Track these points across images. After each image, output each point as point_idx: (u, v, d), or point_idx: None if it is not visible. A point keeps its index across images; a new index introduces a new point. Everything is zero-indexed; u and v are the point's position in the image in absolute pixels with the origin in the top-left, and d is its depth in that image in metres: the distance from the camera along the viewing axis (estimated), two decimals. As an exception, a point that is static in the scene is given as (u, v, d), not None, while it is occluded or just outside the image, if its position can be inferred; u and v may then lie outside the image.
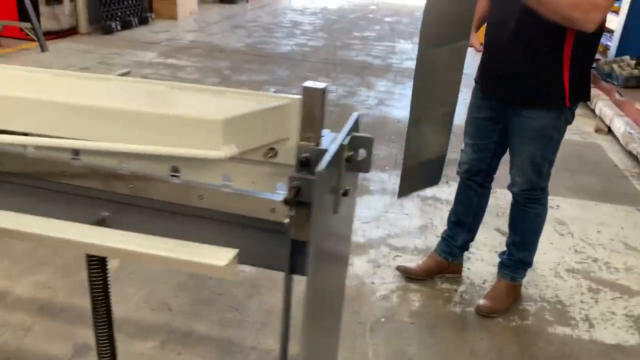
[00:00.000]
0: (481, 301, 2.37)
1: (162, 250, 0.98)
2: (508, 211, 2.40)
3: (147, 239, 1.06)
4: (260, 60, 6.65)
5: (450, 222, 2.52)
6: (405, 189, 2.26)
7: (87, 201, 1.38)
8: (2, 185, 1.32)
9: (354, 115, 1.31)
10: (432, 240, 2.81)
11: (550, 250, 2.88)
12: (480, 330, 2.26)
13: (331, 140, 1.18)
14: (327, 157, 1.06)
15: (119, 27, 7.70)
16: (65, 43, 6.83)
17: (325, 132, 1.24)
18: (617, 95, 5.02)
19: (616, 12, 5.93)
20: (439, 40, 1.94)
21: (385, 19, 10.66)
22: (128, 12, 8.05)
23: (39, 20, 6.37)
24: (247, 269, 1.33)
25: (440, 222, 3.03)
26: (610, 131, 4.75)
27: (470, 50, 2.16)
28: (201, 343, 2.08)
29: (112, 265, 2.05)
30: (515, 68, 2.08)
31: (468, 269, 2.66)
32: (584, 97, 2.12)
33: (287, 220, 1.15)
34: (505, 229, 2.46)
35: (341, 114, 4.93)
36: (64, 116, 1.09)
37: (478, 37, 2.21)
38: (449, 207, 2.56)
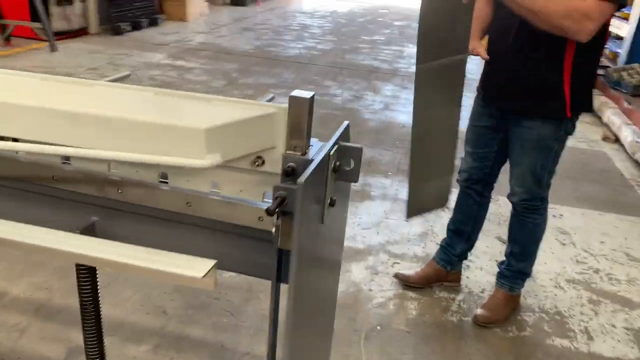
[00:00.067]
0: (479, 311, 2.34)
1: (139, 261, 0.98)
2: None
3: (128, 248, 1.05)
4: (268, 63, 6.66)
5: (449, 230, 2.50)
6: (413, 210, 2.25)
7: (77, 206, 1.39)
8: (-9, 188, 1.32)
9: (344, 124, 1.31)
10: (432, 247, 2.79)
11: (551, 260, 2.85)
12: (477, 341, 2.24)
13: (319, 150, 1.17)
14: (310, 168, 1.05)
15: (128, 28, 7.74)
16: (75, 43, 6.89)
17: (314, 141, 1.24)
18: (625, 104, 4.97)
19: (626, 19, 5.88)
20: (434, 55, 1.94)
21: (395, 22, 10.65)
22: (138, 13, 8.10)
23: (49, 21, 6.42)
24: (246, 273, 1.32)
25: (440, 229, 3.00)
26: (617, 140, 4.70)
27: (476, 58, 2.16)
28: (194, 348, 2.07)
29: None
30: (515, 77, 2.07)
31: (467, 277, 2.64)
32: (586, 107, 2.10)
33: (273, 229, 1.15)
34: (506, 237, 2.44)
35: (346, 118, 4.91)
36: (50, 122, 1.09)
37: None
38: (450, 215, 2.54)
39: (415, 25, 1.88)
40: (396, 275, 2.56)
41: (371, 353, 2.13)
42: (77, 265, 1.39)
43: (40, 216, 1.43)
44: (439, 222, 3.11)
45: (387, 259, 2.75)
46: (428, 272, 2.53)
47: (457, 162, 2.30)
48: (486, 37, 2.19)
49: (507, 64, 2.07)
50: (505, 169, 2.32)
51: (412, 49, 8.25)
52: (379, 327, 2.27)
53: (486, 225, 3.09)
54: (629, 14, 5.86)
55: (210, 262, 0.98)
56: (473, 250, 2.76)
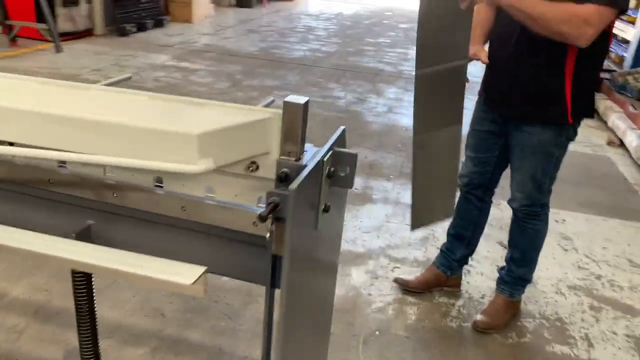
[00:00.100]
0: (478, 317, 2.33)
1: (129, 267, 0.97)
2: (511, 225, 2.36)
3: (119, 254, 1.05)
4: (272, 65, 6.66)
5: (450, 235, 2.49)
6: (418, 221, 2.23)
7: (73, 209, 1.39)
8: (-12, 191, 1.32)
9: (339, 129, 1.30)
10: (433, 252, 2.78)
11: (552, 266, 2.83)
12: (476, 347, 2.23)
13: (313, 156, 1.17)
14: (303, 174, 1.05)
15: (134, 30, 7.76)
16: (80, 44, 6.91)
17: (309, 146, 1.23)
18: (631, 108, 4.94)
19: (632, 22, 5.85)
20: (434, 60, 1.93)
21: (400, 25, 10.63)
22: (144, 14, 8.13)
23: (55, 22, 6.45)
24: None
25: (441, 233, 2.98)
26: (622, 144, 4.68)
27: (479, 62, 2.15)
28: (192, 351, 2.07)
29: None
30: (516, 83, 2.06)
31: (467, 282, 2.63)
32: (588, 113, 2.08)
33: (268, 235, 1.14)
34: (508, 242, 2.42)
35: (349, 120, 4.92)
36: (44, 126, 1.09)
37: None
38: (450, 219, 2.53)
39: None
40: (396, 280, 2.55)
41: (369, 358, 2.12)
42: (73, 269, 1.39)
43: (36, 219, 1.43)
44: (440, 227, 3.09)
45: (387, 263, 2.74)
46: (428, 277, 2.52)
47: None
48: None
49: (508, 69, 2.06)
50: (507, 173, 2.31)
51: (417, 52, 8.23)
52: (377, 332, 2.26)
53: (488, 229, 3.08)
54: (635, 18, 5.83)
55: (200, 269, 0.98)
56: (474, 255, 2.75)
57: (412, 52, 8.09)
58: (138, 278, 0.97)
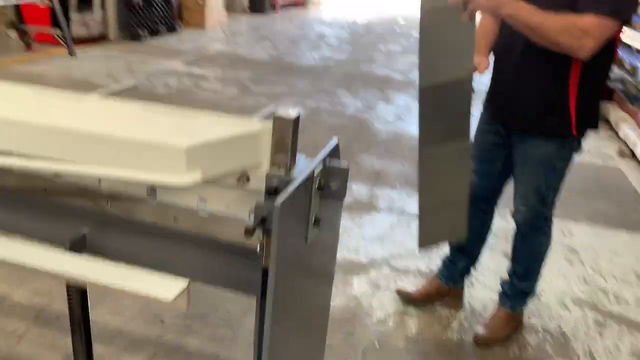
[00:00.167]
0: (479, 330, 2.31)
1: (112, 280, 0.97)
2: (516, 236, 2.33)
3: (104, 266, 1.05)
4: (282, 72, 6.68)
5: (452, 247, 2.47)
6: (426, 240, 2.19)
7: (69, 217, 1.40)
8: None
9: (333, 141, 1.30)
10: (436, 262, 2.76)
11: (557, 279, 2.79)
12: (476, 360, 2.21)
13: (304, 168, 1.16)
14: (290, 188, 1.05)
15: (147, 35, 7.84)
16: (94, 49, 7.00)
17: (301, 158, 1.23)
18: (642, 119, 4.88)
19: (646, 32, 5.77)
20: (437, 74, 1.91)
21: (413, 32, 10.62)
22: (157, 20, 8.20)
23: (69, 27, 6.54)
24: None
25: (445, 244, 2.96)
26: (633, 155, 4.61)
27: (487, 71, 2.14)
28: (190, 358, 2.07)
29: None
30: (520, 94, 2.04)
31: (470, 294, 2.60)
32: (592, 126, 2.06)
33: (258, 246, 1.14)
34: (511, 255, 2.39)
35: (357, 128, 4.92)
36: (34, 136, 1.10)
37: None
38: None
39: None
40: (398, 292, 2.53)
41: (367, 370, 2.10)
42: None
43: (32, 227, 1.44)
44: (444, 237, 3.07)
45: (389, 273, 2.73)
46: (430, 288, 2.50)
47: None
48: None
49: (512, 80, 2.04)
50: (510, 185, 2.29)
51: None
52: (377, 344, 2.24)
53: (493, 241, 3.06)
54: (648, 28, 5.76)
55: (183, 284, 0.97)
56: (478, 267, 2.73)
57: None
58: (120, 292, 0.97)
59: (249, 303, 2.42)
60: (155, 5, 8.19)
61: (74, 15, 6.91)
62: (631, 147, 4.66)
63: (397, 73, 7.13)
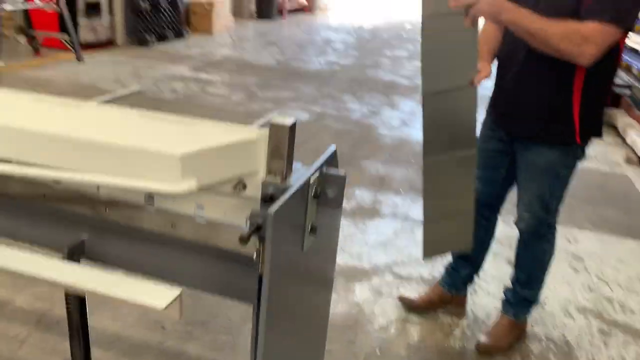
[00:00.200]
0: (482, 338, 2.29)
1: (104, 288, 0.97)
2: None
3: (98, 274, 1.05)
4: (288, 78, 6.70)
5: (454, 254, 2.45)
6: (431, 249, 2.18)
7: (68, 224, 1.41)
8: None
9: (330, 148, 1.30)
10: (439, 270, 2.74)
11: (561, 287, 2.77)
12: (478, 369, 2.19)
13: (300, 176, 1.16)
14: (285, 196, 1.04)
15: (154, 40, 7.88)
16: (101, 54, 7.04)
17: (297, 166, 1.22)
18: (650, 125, 4.84)
19: (654, 38, 5.73)
20: (440, 81, 1.91)
21: (419, 38, 10.59)
22: (164, 25, 8.25)
23: (77, 32, 6.58)
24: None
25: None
26: (641, 162, 4.58)
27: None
28: (190, 365, 2.07)
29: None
30: (523, 101, 2.03)
31: (473, 302, 2.59)
32: (596, 133, 2.04)
33: (255, 254, 1.14)
34: (515, 262, 2.38)
35: (362, 133, 4.91)
36: (31, 143, 1.10)
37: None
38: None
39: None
40: (400, 298, 2.52)
41: (368, 377, 2.09)
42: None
43: (31, 233, 1.45)
44: (448, 244, 3.05)
45: (392, 280, 2.71)
46: (432, 296, 2.48)
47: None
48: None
49: (515, 87, 2.03)
50: (515, 191, 2.27)
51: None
52: (378, 351, 2.23)
53: (497, 248, 3.04)
54: (656, 34, 5.72)
55: (175, 292, 0.97)
56: (482, 274, 2.71)
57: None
58: (113, 299, 0.97)
59: (250, 310, 2.42)
60: (162, 10, 8.24)
61: (82, 21, 6.96)
62: (638, 153, 4.62)
63: (403, 78, 7.13)
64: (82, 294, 1.34)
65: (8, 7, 5.78)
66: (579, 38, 1.70)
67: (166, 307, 0.93)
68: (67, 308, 1.45)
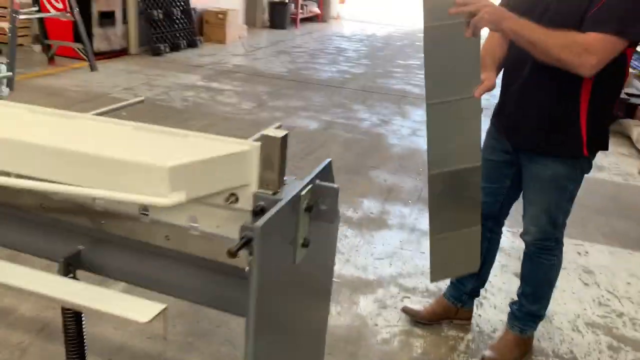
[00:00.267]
0: (486, 352, 2.25)
1: (88, 301, 0.97)
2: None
3: (86, 288, 1.04)
4: (299, 86, 6.71)
5: (460, 267, 2.42)
6: (438, 273, 2.16)
7: (65, 234, 1.41)
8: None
9: (325, 161, 1.28)
10: (445, 282, 2.70)
11: (571, 301, 2.72)
12: (482, 384, 2.15)
13: (292, 189, 1.15)
14: (274, 209, 1.03)
15: (167, 50, 7.95)
16: (115, 63, 7.12)
17: (290, 179, 1.21)
18: (665, 136, 4.76)
19: (669, 48, 5.66)
20: (444, 90, 1.89)
21: (432, 47, 10.58)
22: (178, 35, 8.32)
23: (91, 42, 6.67)
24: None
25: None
26: (655, 174, 4.50)
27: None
28: (190, 376, 2.06)
29: (118, 288, 2.06)
30: (529, 113, 2.00)
31: (479, 315, 2.55)
32: (603, 146, 2.01)
33: (247, 267, 1.13)
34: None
35: (371, 142, 4.89)
36: (23, 155, 1.10)
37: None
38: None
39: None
40: (404, 310, 2.49)
41: (370, 391, 2.06)
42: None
43: (28, 243, 1.45)
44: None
45: (397, 292, 2.68)
46: (437, 308, 2.45)
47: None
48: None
49: (521, 98, 2.01)
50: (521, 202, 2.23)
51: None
52: (381, 364, 2.20)
53: (505, 260, 3.00)
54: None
55: (159, 307, 0.96)
56: (489, 287, 2.68)
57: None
58: (98, 312, 0.96)
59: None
60: (176, 20, 8.32)
61: (96, 30, 7.05)
62: (653, 164, 4.55)
63: (414, 87, 7.10)
64: (70, 307, 1.33)
65: (23, 16, 5.87)
66: (579, 48, 1.67)
67: (149, 321, 0.92)
68: (63, 320, 1.45)
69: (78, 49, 6.57)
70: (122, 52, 7.55)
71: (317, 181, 1.18)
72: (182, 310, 2.38)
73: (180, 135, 1.20)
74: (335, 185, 1.18)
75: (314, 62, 8.38)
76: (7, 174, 1.20)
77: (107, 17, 7.21)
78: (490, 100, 2.25)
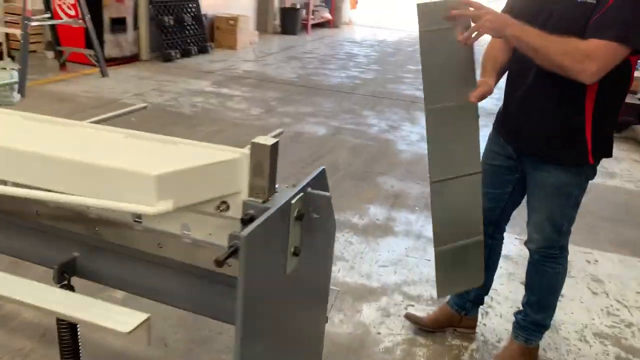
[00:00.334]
0: (491, 362, 2.21)
1: (72, 310, 0.96)
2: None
3: (71, 296, 1.04)
4: (309, 92, 6.71)
5: (463, 274, 2.39)
6: (444, 289, 2.15)
7: (60, 240, 1.41)
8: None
9: (319, 169, 1.27)
10: (450, 290, 2.67)
11: (578, 310, 2.67)
12: (486, 395, 2.11)
13: (282, 197, 1.13)
14: (262, 217, 1.02)
15: (178, 56, 8.00)
16: (126, 69, 7.17)
17: (282, 187, 1.20)
18: (678, 142, 4.68)
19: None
20: (443, 95, 1.88)
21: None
22: (189, 41, 8.37)
23: (102, 48, 6.73)
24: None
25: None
26: (668, 180, 4.42)
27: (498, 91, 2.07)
28: (190, 384, 2.05)
29: (118, 295, 2.06)
30: (534, 119, 1.97)
31: (484, 324, 2.51)
32: (607, 153, 1.97)
33: (238, 275, 1.11)
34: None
35: (379, 148, 4.87)
36: (14, 162, 1.10)
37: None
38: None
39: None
40: (407, 316, 2.46)
41: (371, 401, 2.04)
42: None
43: (24, 249, 1.46)
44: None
45: (401, 300, 2.66)
46: (439, 315, 2.42)
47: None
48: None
49: (525, 105, 1.98)
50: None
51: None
52: (383, 374, 2.18)
53: (512, 268, 2.96)
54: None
55: (142, 317, 0.95)
56: (494, 296, 2.65)
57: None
58: (80, 321, 0.95)
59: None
60: (187, 26, 8.38)
61: (108, 36, 7.11)
62: (666, 171, 4.47)
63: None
64: (52, 314, 1.33)
65: (35, 23, 5.94)
66: (579, 54, 1.65)
67: (131, 332, 0.91)
68: (58, 328, 1.45)
69: (89, 55, 6.63)
70: (133, 58, 7.61)
71: (309, 189, 1.16)
72: (183, 317, 2.37)
73: (172, 142, 1.20)
74: (327, 194, 1.16)
75: (324, 67, 8.38)
76: (4, 182, 1.20)
77: (118, 24, 7.28)
78: (490, 102, 2.21)
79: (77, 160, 1.05)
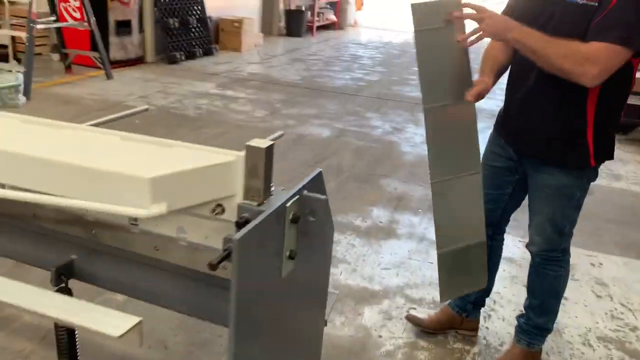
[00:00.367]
0: (493, 366, 2.20)
1: (64, 314, 0.96)
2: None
3: (63, 299, 1.03)
4: (313, 94, 6.70)
5: (465, 277, 2.37)
6: (447, 293, 2.15)
7: (58, 243, 1.41)
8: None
9: (315, 171, 1.26)
10: (453, 293, 2.66)
11: (582, 314, 2.64)
12: (488, 399, 2.09)
13: (277, 200, 1.13)
14: (256, 221, 1.01)
15: (183, 58, 8.02)
16: (131, 71, 7.19)
17: (278, 190, 1.19)
18: (685, 144, 4.64)
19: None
20: (439, 96, 1.88)
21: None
22: (194, 43, 8.39)
23: (107, 50, 6.75)
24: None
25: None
26: (674, 183, 4.38)
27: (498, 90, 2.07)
28: (189, 387, 2.04)
29: (119, 297, 2.07)
30: (535, 121, 1.95)
31: (486, 328, 2.49)
32: (609, 155, 1.96)
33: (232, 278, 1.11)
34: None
35: (383, 150, 4.86)
36: (9, 165, 1.10)
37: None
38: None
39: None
40: (408, 317, 2.45)
41: (371, 405, 2.02)
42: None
43: (21, 251, 1.46)
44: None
45: (403, 303, 2.64)
46: (440, 317, 2.40)
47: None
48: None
49: (526, 107, 1.97)
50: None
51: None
52: (383, 377, 2.16)
53: (515, 271, 2.94)
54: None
55: (133, 320, 0.95)
56: (497, 299, 2.63)
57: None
58: (73, 325, 0.95)
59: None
60: (192, 29, 8.39)
61: (113, 39, 7.13)
62: (672, 173, 4.43)
63: (429, 95, 7.04)
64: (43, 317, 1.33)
65: (40, 25, 5.97)
66: (580, 57, 1.63)
67: (122, 336, 0.90)
68: (56, 331, 1.45)
69: (95, 57, 6.66)
70: (138, 61, 7.63)
71: (305, 192, 1.15)
72: (183, 320, 2.36)
73: (167, 145, 1.19)
74: (323, 197, 1.15)
75: (328, 69, 8.38)
76: (1, 186, 1.20)
77: (123, 26, 7.30)
78: (490, 103, 2.20)
79: (72, 163, 1.05)
